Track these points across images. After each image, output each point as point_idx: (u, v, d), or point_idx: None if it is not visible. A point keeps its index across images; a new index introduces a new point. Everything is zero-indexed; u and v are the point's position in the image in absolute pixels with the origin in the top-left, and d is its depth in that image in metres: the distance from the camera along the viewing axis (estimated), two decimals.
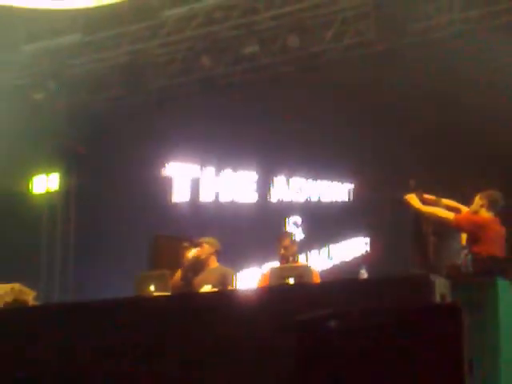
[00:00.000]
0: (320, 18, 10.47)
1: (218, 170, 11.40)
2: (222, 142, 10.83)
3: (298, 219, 10.88)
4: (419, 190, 7.00)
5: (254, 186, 11.32)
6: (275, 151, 10.73)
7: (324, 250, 10.76)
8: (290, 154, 10.66)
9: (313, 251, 10.65)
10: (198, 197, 11.53)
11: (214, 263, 7.57)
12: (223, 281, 7.32)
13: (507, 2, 9.48)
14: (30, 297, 7.09)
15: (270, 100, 10.51)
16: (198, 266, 7.57)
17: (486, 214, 6.50)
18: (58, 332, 6.07)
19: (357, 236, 10.44)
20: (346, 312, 4.24)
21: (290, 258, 7.51)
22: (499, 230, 6.50)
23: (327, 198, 10.95)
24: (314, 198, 11.04)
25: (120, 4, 10.53)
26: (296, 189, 11.17)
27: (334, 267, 10.49)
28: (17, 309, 6.86)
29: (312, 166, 10.78)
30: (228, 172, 11.43)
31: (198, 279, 7.36)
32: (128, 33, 11.23)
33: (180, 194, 11.54)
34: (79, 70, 11.86)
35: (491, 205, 6.51)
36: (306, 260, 10.28)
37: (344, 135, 10.15)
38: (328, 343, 4.13)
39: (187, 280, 7.41)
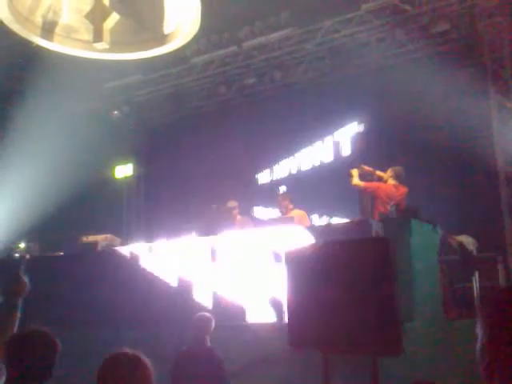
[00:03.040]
0: (294, 60, 10.37)
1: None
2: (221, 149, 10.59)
3: (283, 187, 10.22)
4: (360, 164, 6.90)
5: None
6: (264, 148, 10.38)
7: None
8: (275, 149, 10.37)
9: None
10: None
11: (238, 216, 7.76)
12: (246, 225, 7.50)
13: (412, 44, 9.19)
14: (117, 242, 7.32)
15: (263, 114, 10.38)
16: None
17: (391, 182, 6.48)
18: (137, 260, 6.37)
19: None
20: (320, 244, 4.31)
21: (283, 210, 7.42)
22: (395, 190, 6.38)
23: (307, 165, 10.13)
24: (294, 170, 10.35)
25: (166, 53, 10.58)
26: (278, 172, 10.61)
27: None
28: (110, 249, 7.08)
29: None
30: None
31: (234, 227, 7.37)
32: (172, 73, 11.16)
33: None
34: (142, 98, 11.82)
35: (395, 176, 6.54)
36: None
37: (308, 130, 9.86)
38: (307, 261, 4.17)
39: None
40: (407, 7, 9.12)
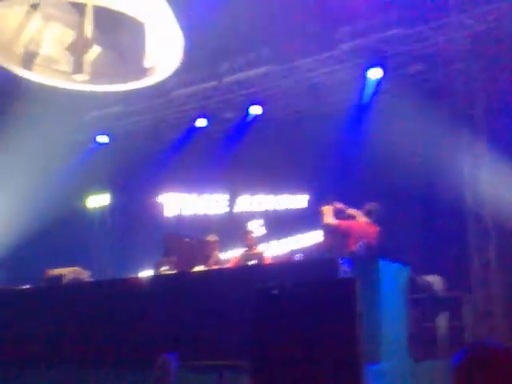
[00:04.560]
0: (273, 96, 10.38)
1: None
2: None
3: (260, 221, 9.97)
4: (333, 202, 6.80)
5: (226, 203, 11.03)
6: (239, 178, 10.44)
7: (283, 240, 10.07)
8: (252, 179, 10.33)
9: (273, 241, 9.99)
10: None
11: (216, 251, 7.60)
12: (221, 261, 7.46)
13: (387, 83, 9.49)
14: (85, 275, 7.09)
15: (241, 148, 10.39)
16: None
17: (363, 219, 6.46)
18: (104, 295, 6.26)
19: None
20: (283, 283, 4.40)
21: (253, 247, 7.38)
22: (367, 228, 6.37)
23: (283, 207, 10.33)
24: (271, 208, 10.48)
25: (147, 86, 10.56)
26: (257, 203, 10.71)
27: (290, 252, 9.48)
28: (76, 283, 6.90)
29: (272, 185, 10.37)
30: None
31: (209, 262, 7.33)
32: (152, 105, 11.14)
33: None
34: (122, 130, 11.77)
35: (367, 213, 6.54)
36: (267, 247, 9.45)
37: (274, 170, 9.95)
38: (273, 302, 4.34)
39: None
40: (384, 47, 9.28)
